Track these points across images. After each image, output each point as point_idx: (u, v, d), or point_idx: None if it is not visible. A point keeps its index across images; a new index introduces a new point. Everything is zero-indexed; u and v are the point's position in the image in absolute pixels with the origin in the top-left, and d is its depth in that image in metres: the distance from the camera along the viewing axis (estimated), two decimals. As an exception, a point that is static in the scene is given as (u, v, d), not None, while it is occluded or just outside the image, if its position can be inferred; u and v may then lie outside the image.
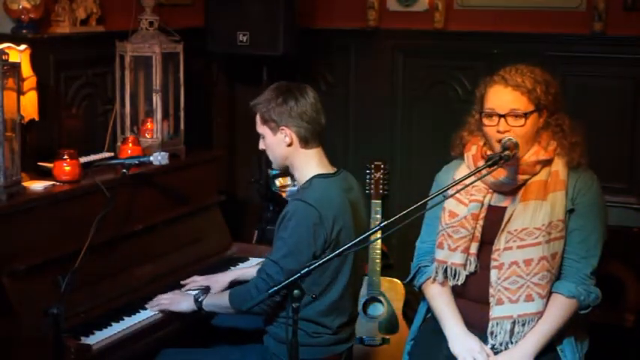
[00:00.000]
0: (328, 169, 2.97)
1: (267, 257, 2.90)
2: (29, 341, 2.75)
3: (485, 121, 2.73)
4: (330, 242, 2.82)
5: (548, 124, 2.76)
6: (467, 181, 2.69)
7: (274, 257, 2.85)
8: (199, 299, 3.04)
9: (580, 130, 2.79)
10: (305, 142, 2.92)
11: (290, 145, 2.92)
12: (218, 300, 3.03)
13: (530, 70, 2.74)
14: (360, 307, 4.03)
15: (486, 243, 2.79)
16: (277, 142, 2.94)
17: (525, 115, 2.68)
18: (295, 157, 2.94)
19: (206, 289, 3.22)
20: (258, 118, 2.98)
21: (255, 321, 3.07)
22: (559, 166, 2.75)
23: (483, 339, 2.75)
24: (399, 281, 4.09)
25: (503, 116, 2.68)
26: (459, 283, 2.80)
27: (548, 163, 2.75)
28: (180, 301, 3.11)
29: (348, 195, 2.95)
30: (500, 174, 2.73)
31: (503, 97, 2.70)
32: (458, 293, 2.85)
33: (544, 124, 2.75)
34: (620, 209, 3.99)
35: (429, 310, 2.94)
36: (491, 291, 2.74)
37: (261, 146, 3.02)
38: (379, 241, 4.06)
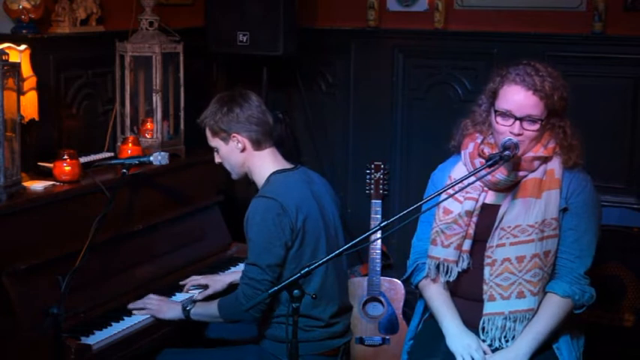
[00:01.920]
0: (285, 165, 3.01)
1: (245, 262, 2.92)
2: (29, 341, 2.75)
3: (499, 119, 2.71)
4: (298, 231, 2.85)
5: (553, 125, 2.76)
6: (465, 182, 2.69)
7: (251, 260, 2.87)
8: (187, 307, 3.02)
9: (579, 134, 2.79)
10: (258, 145, 2.97)
11: (244, 150, 2.98)
12: (206, 309, 3.00)
13: (549, 72, 2.71)
14: (360, 307, 4.03)
15: (480, 241, 2.79)
16: (231, 151, 2.99)
17: (542, 122, 2.68)
18: (251, 162, 2.99)
19: (193, 299, 3.15)
20: (207, 132, 3.04)
21: (248, 330, 3.08)
22: (555, 164, 2.76)
23: (478, 336, 2.75)
24: (399, 281, 4.09)
25: (520, 119, 2.68)
26: (451, 279, 2.81)
27: (545, 161, 2.76)
28: (167, 309, 3.06)
29: (311, 187, 2.99)
30: (497, 171, 2.73)
31: (523, 100, 2.67)
32: (451, 291, 2.86)
33: (549, 125, 2.75)
34: (620, 209, 3.99)
35: (427, 308, 2.95)
36: (484, 288, 2.75)
37: (217, 160, 3.08)
38: (379, 241, 4.06)
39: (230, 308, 2.93)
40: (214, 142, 3.03)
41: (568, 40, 4.33)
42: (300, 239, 2.86)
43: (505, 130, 2.69)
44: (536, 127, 2.68)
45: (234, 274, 3.39)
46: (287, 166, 3.01)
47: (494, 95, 2.76)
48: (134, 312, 3.07)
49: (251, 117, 2.96)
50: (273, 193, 2.87)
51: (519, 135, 2.67)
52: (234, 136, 2.97)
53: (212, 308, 2.97)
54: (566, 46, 4.32)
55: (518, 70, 2.71)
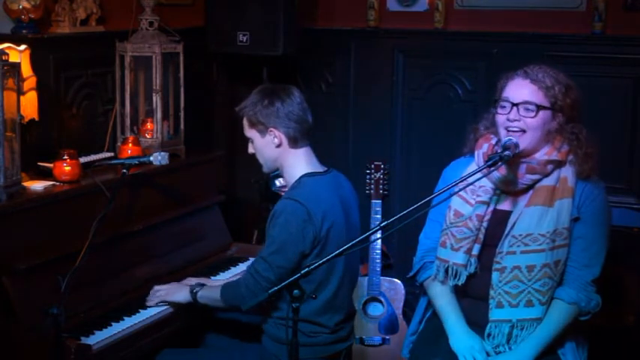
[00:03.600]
0: (317, 168, 2.97)
1: (259, 253, 2.92)
2: (29, 341, 2.75)
3: (499, 109, 2.74)
4: (320, 240, 2.83)
5: (564, 129, 2.75)
6: (472, 179, 2.68)
7: (263, 254, 2.87)
8: (194, 290, 3.05)
9: (595, 142, 2.78)
10: (294, 142, 2.93)
11: (279, 145, 2.93)
12: (211, 293, 3.03)
13: (555, 72, 2.76)
14: (360, 307, 4.03)
15: (488, 245, 2.79)
16: (266, 144, 2.95)
17: (537, 107, 2.68)
18: (285, 158, 2.95)
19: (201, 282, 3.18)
20: (245, 122, 2.99)
21: (255, 316, 3.08)
22: (569, 172, 2.75)
23: (482, 335, 2.76)
24: (399, 281, 4.09)
25: (516, 105, 2.69)
26: (459, 283, 2.80)
27: (559, 165, 2.75)
28: (176, 291, 3.11)
29: (338, 193, 2.96)
30: (505, 171, 2.73)
31: (520, 88, 2.71)
32: (459, 291, 2.85)
33: (558, 127, 2.74)
34: (620, 209, 3.99)
35: (429, 305, 2.95)
36: (491, 292, 2.74)
37: (250, 150, 3.03)
38: (379, 241, 4.06)
39: (230, 293, 2.95)
40: (250, 132, 2.98)
41: (568, 40, 4.34)
42: (321, 247, 2.84)
43: (503, 119, 2.71)
44: (533, 114, 2.68)
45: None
46: (319, 169, 2.97)
47: (500, 93, 2.78)
48: (148, 303, 3.11)
49: (291, 113, 2.90)
50: (303, 198, 2.83)
51: (516, 121, 2.68)
52: (271, 130, 2.91)
53: (215, 292, 2.99)
54: (566, 46, 4.33)
55: (523, 68, 2.76)
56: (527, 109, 2.69)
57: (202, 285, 3.10)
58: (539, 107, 2.68)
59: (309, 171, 2.94)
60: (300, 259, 2.83)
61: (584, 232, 2.73)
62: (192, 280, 3.31)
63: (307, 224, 2.80)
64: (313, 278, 2.81)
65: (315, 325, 2.89)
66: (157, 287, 3.17)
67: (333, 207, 2.90)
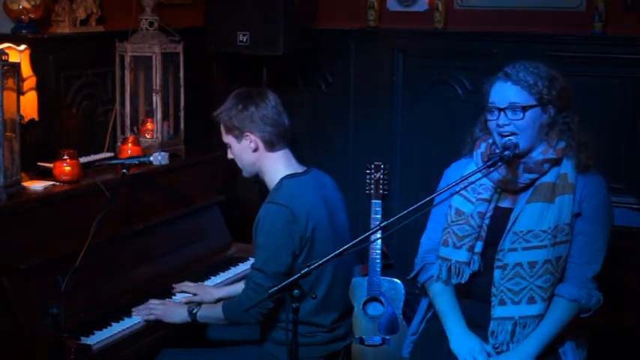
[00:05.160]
0: (297, 169, 2.98)
1: (252, 266, 2.91)
2: (29, 341, 2.75)
3: (488, 115, 2.74)
4: (306, 240, 2.83)
5: (556, 121, 2.75)
6: (472, 178, 2.69)
7: (257, 265, 2.86)
8: (193, 311, 3.01)
9: (589, 131, 2.77)
10: (270, 146, 2.93)
11: (256, 150, 2.93)
12: (212, 312, 3.00)
13: (535, 65, 2.74)
14: (360, 307, 4.03)
15: (491, 244, 2.78)
16: (243, 149, 2.95)
17: (524, 108, 2.68)
18: (263, 162, 2.96)
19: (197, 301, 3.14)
20: (222, 127, 3.00)
21: (250, 333, 3.07)
22: (568, 168, 2.74)
23: (484, 336, 2.75)
24: (399, 281, 4.08)
25: (503, 110, 2.69)
26: (463, 281, 2.79)
27: (557, 162, 2.75)
28: (173, 312, 3.05)
29: (321, 192, 2.96)
30: (507, 172, 2.72)
31: (504, 91, 2.70)
32: (462, 292, 2.85)
33: (551, 121, 2.74)
34: (620, 209, 3.99)
35: (430, 307, 2.95)
36: (493, 290, 2.74)
37: (230, 156, 3.04)
38: (379, 241, 4.05)
39: (234, 311, 2.93)
40: (227, 138, 2.99)
41: (568, 40, 4.33)
42: (309, 248, 2.84)
43: (494, 125, 2.71)
44: (521, 115, 2.68)
45: (226, 288, 3.35)
46: (299, 169, 2.97)
47: (486, 98, 2.77)
48: (137, 316, 3.05)
49: (265, 117, 2.91)
50: (285, 200, 2.83)
51: (506, 125, 2.68)
52: (247, 135, 2.92)
53: (217, 311, 2.97)
54: (566, 46, 4.32)
55: (503, 69, 2.75)
56: (515, 112, 2.68)
57: (198, 303, 3.06)
58: (525, 108, 2.68)
59: (289, 173, 2.94)
60: (293, 260, 2.82)
61: (585, 229, 2.73)
62: (190, 284, 3.31)
63: (292, 225, 2.81)
64: (305, 280, 2.80)
65: (312, 325, 2.89)
66: (153, 302, 3.10)
67: (317, 206, 2.90)
